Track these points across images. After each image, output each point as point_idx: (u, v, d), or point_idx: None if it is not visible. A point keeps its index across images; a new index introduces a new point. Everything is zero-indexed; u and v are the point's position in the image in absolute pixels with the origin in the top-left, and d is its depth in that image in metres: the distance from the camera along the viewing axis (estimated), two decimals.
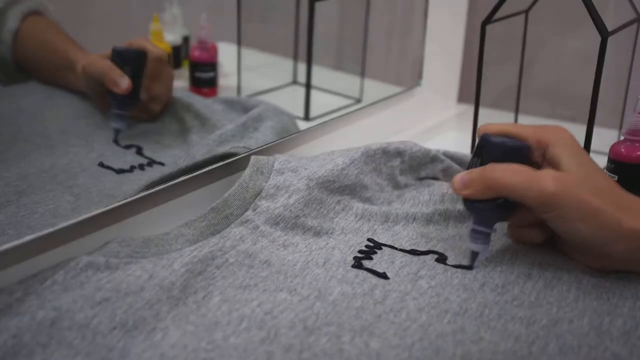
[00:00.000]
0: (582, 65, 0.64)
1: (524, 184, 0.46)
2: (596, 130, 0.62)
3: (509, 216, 0.51)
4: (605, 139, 0.67)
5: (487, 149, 0.49)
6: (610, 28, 0.60)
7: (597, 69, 0.60)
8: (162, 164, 0.65)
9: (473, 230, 0.50)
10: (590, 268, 0.49)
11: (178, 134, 0.69)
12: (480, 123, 0.70)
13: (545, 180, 0.46)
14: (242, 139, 0.64)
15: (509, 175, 0.47)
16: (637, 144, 0.61)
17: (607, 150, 0.62)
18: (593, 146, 0.62)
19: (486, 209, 0.49)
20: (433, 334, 0.42)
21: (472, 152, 0.51)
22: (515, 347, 0.41)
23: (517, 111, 0.81)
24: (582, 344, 0.42)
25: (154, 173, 0.63)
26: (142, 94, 0.68)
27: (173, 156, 0.66)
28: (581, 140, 0.62)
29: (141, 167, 0.64)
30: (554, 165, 0.48)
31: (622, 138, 0.62)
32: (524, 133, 0.50)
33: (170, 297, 0.43)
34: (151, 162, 0.65)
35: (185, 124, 0.69)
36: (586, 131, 0.62)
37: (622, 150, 0.61)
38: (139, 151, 0.66)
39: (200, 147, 0.63)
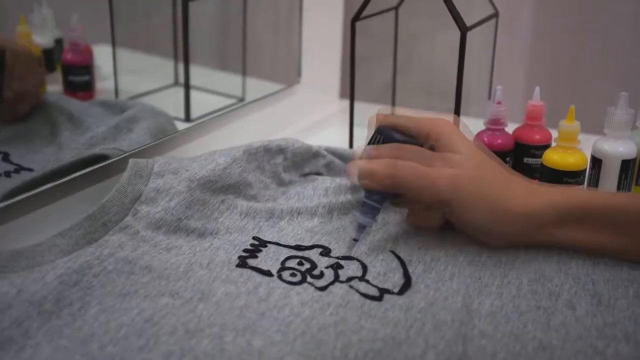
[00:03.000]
0: (453, 59, 0.68)
1: (421, 184, 0.51)
2: (470, 121, 0.65)
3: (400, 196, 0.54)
4: (479, 129, 0.70)
5: (387, 142, 0.54)
6: (470, 24, 0.63)
7: (459, 63, 0.63)
8: (30, 169, 0.61)
9: (364, 204, 0.53)
10: (495, 247, 0.52)
11: (49, 139, 0.66)
12: (357, 118, 0.72)
13: (439, 181, 0.50)
14: (114, 140, 0.62)
15: (408, 174, 0.51)
16: (497, 133, 0.64)
17: None
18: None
19: (381, 192, 0.53)
20: (315, 327, 0.42)
21: (367, 141, 0.56)
22: (394, 333, 0.42)
23: (393, 106, 0.83)
24: (454, 319, 0.44)
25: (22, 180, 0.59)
26: (5, 92, 0.65)
27: (43, 161, 0.62)
28: None
29: (7, 174, 0.60)
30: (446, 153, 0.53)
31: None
32: (413, 128, 0.54)
33: (41, 312, 0.41)
34: (19, 169, 0.61)
35: (57, 128, 0.66)
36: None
37: (485, 139, 0.64)
38: (5, 157, 0.63)
39: (69, 150, 0.61)
